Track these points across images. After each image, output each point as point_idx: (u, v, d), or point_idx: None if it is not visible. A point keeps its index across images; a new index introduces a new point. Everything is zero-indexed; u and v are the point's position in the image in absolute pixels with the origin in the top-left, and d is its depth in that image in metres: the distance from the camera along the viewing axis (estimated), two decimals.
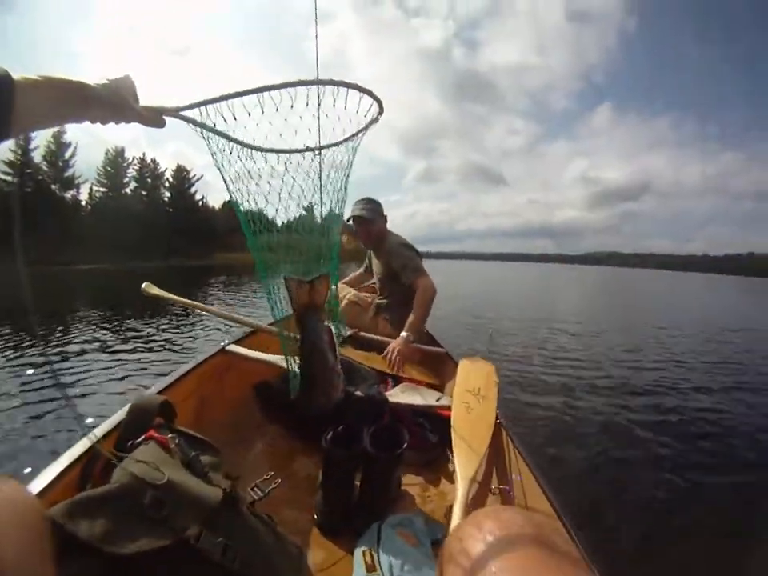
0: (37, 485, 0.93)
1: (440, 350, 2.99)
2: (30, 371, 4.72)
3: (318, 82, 1.14)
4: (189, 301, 2.63)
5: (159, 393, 1.52)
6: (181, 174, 57.08)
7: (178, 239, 48.54)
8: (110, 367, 4.96)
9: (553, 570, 0.47)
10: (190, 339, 6.45)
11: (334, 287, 1.70)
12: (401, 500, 1.68)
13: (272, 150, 1.32)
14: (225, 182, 1.34)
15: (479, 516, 0.59)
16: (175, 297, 2.55)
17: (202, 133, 1.20)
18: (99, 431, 1.18)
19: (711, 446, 4.38)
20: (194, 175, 58.02)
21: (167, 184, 56.45)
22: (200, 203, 59.85)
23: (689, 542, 2.85)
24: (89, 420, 3.29)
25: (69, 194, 45.73)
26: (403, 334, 2.75)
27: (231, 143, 1.26)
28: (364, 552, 1.28)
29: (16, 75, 0.68)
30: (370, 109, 1.28)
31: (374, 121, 1.35)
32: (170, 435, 0.97)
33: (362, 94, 1.21)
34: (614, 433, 4.63)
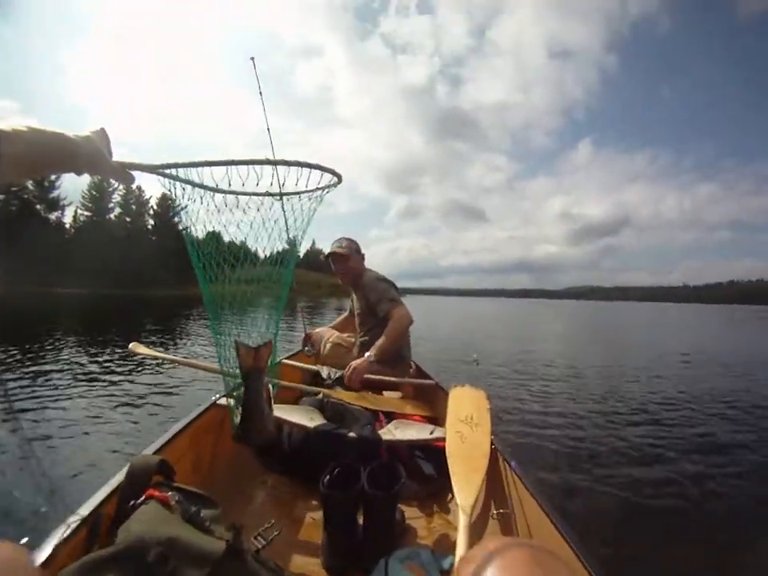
0: (44, 550, 0.93)
1: (430, 382, 3.00)
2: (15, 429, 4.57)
3: (284, 163, 1.19)
4: (174, 357, 2.64)
5: (156, 452, 1.53)
6: (165, 202, 55.50)
7: (159, 268, 48.18)
8: (102, 426, 4.87)
9: None
10: (180, 391, 6.39)
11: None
12: (405, 534, 1.69)
13: (236, 192, 1.36)
14: (181, 224, 1.50)
15: (482, 547, 0.60)
16: (161, 354, 2.56)
17: (168, 182, 1.27)
18: (101, 494, 1.18)
19: (695, 463, 4.47)
20: (179, 204, 57.68)
21: (152, 212, 56.21)
22: (184, 232, 59.15)
23: (695, 563, 2.85)
24: (85, 482, 3.25)
25: (54, 216, 45.62)
26: (367, 353, 2.80)
27: (196, 188, 1.32)
28: None
29: (1, 125, 0.69)
30: (330, 179, 1.38)
31: (333, 186, 1.44)
32: (169, 493, 0.98)
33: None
34: (606, 451, 4.66)
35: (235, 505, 1.77)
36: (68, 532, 1.00)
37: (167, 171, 1.20)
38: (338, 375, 2.89)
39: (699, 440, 5.24)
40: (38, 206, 43.64)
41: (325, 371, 2.98)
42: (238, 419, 1.53)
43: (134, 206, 53.21)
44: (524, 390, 7.23)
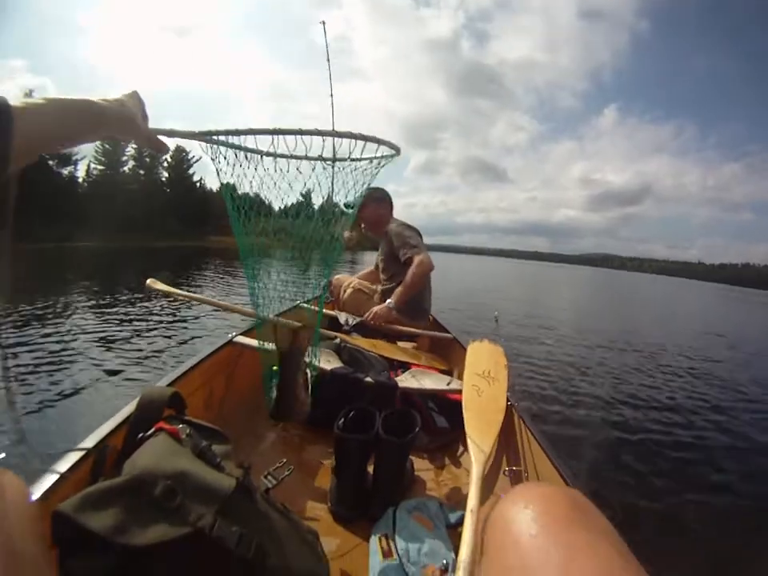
0: (47, 481, 0.92)
1: (447, 336, 2.99)
2: (31, 361, 4.62)
3: (336, 134, 1.11)
4: (192, 294, 2.61)
5: (169, 385, 1.52)
6: (180, 154, 56.20)
7: (173, 220, 48.07)
8: (116, 360, 4.91)
9: (596, 546, 0.47)
10: (195, 331, 6.43)
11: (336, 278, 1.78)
12: (414, 485, 1.68)
13: (287, 156, 1.25)
14: (219, 174, 1.31)
15: (516, 492, 0.59)
16: (180, 291, 2.53)
17: (210, 148, 1.17)
18: (109, 425, 1.17)
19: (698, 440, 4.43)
20: (193, 156, 56.58)
21: (165, 164, 55.78)
22: (198, 185, 59.16)
23: (711, 528, 2.85)
24: (96, 414, 3.27)
25: (66, 171, 45.50)
26: (388, 300, 2.79)
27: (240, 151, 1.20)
28: (380, 538, 1.27)
29: (15, 101, 0.63)
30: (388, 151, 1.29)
31: (390, 157, 1.35)
32: (180, 426, 0.96)
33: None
34: (622, 415, 4.67)
35: (245, 444, 1.77)
36: (71, 464, 0.98)
37: (214, 140, 1.12)
38: (355, 322, 2.88)
39: (710, 405, 5.27)
40: (50, 162, 43.44)
41: (342, 317, 2.97)
42: (273, 394, 1.56)
43: (147, 159, 52.26)
44: (539, 349, 7.24)
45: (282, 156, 1.24)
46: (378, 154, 1.31)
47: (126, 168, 51.49)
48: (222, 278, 14.57)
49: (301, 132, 1.05)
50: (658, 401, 5.24)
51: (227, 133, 1.06)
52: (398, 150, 1.30)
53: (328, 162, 1.29)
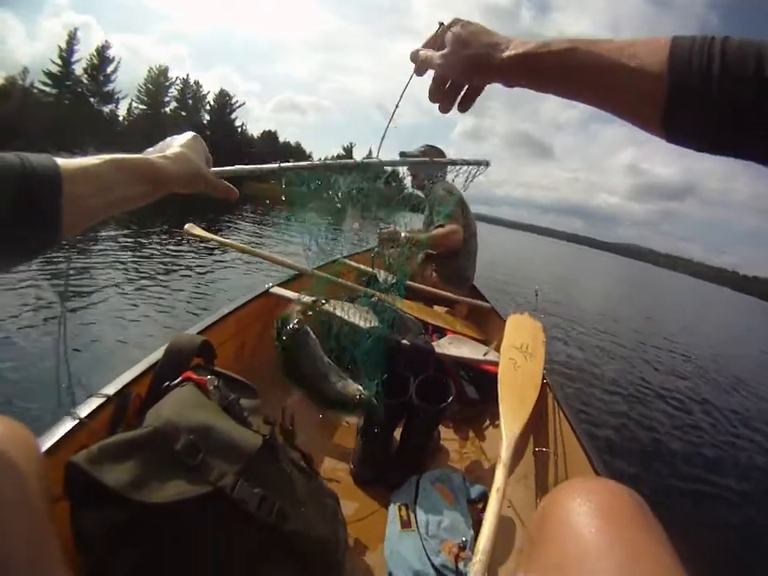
0: (62, 428, 0.89)
1: (486, 305, 2.95)
2: (57, 304, 4.56)
3: (431, 162, 1.10)
4: (232, 242, 2.58)
5: (199, 333, 1.49)
6: (223, 98, 56.15)
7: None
8: (146, 305, 4.92)
9: (655, 546, 0.47)
10: (231, 280, 6.45)
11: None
12: (439, 455, 1.66)
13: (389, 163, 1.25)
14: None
15: (576, 485, 0.58)
16: (219, 238, 2.51)
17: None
18: (133, 372, 1.14)
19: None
20: (236, 101, 56.92)
21: (208, 107, 55.75)
22: (239, 130, 59.17)
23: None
24: (121, 360, 3.28)
25: (107, 109, 45.81)
26: (403, 233, 2.74)
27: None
28: (400, 507, 1.25)
29: (63, 161, 0.56)
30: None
31: (482, 170, 1.33)
32: (208, 377, 0.93)
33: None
34: (654, 406, 4.62)
35: (273, 398, 1.75)
36: (90, 410, 0.96)
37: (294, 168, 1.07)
38: (394, 281, 2.85)
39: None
40: (92, 99, 43.49)
41: (382, 275, 2.93)
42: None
43: (190, 101, 52.55)
44: (575, 332, 7.19)
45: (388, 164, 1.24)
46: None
47: (167, 109, 51.60)
48: (260, 226, 14.58)
49: (391, 163, 1.09)
50: (694, 404, 5.18)
51: (301, 168, 1.02)
52: (487, 164, 1.29)
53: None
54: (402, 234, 2.65)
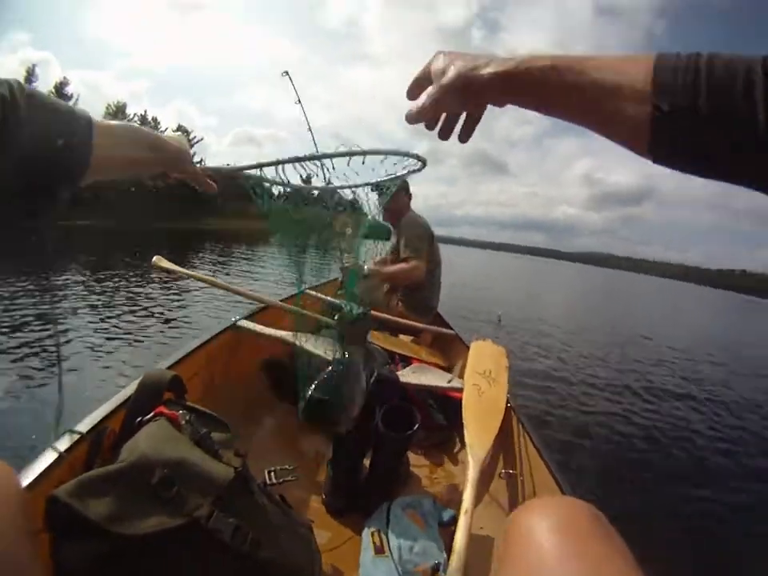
0: (41, 464, 0.91)
1: (450, 332, 2.98)
2: (30, 343, 4.55)
3: (377, 152, 1.16)
4: (199, 275, 2.57)
5: (169, 368, 1.50)
6: (181, 132, 54.62)
7: (171, 202, 47.45)
8: (116, 340, 4.89)
9: (615, 562, 0.48)
10: (198, 313, 6.41)
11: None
12: (409, 481, 1.68)
13: (329, 188, 1.37)
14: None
15: (536, 504, 0.59)
16: (186, 270, 2.50)
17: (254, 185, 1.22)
18: (107, 407, 1.15)
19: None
20: (194, 137, 54.51)
21: None
22: (198, 166, 58.03)
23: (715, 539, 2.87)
24: (94, 395, 3.25)
25: None
26: (366, 266, 2.78)
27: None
28: (373, 533, 1.27)
29: (96, 117, 0.67)
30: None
31: (418, 170, 1.36)
32: (180, 411, 0.95)
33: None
34: (617, 421, 4.68)
35: (244, 431, 1.76)
36: (67, 446, 0.97)
37: (255, 173, 1.14)
38: (360, 311, 2.86)
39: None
40: None
41: (347, 306, 2.95)
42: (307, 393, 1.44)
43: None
44: (539, 351, 7.25)
45: (323, 188, 1.36)
46: (406, 165, 1.33)
47: None
48: (223, 261, 14.51)
49: (344, 154, 1.09)
50: (658, 414, 5.23)
51: (271, 164, 1.07)
52: (424, 162, 1.32)
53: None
54: (366, 269, 2.69)
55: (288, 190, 1.28)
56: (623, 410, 5.03)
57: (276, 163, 1.06)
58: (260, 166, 1.08)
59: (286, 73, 2.62)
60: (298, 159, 1.05)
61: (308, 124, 2.74)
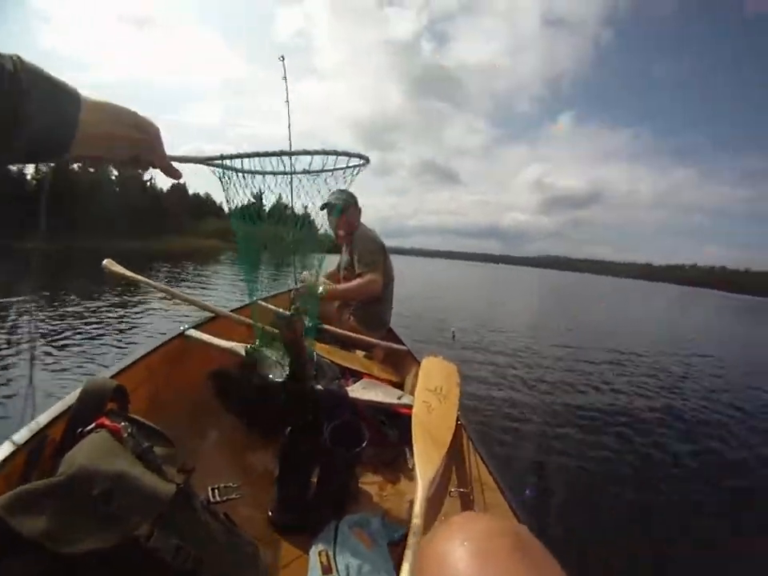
0: None
1: (402, 348, 2.97)
2: None
3: (324, 152, 1.28)
4: (151, 281, 2.51)
5: (112, 377, 1.45)
6: None
7: (123, 221, 46.11)
8: (60, 348, 4.77)
9: None
10: (147, 322, 6.29)
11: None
12: (358, 498, 1.65)
13: (275, 173, 1.38)
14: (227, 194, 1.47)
15: (454, 524, 0.56)
16: (137, 276, 2.43)
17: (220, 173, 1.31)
18: (47, 416, 1.10)
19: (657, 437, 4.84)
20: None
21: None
22: (148, 184, 57.45)
23: (651, 546, 2.91)
24: (34, 404, 3.13)
25: (15, 168, 43.91)
26: (322, 287, 2.79)
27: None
28: (320, 552, 1.24)
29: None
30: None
31: (362, 166, 1.55)
32: (122, 423, 0.92)
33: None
34: (570, 436, 4.71)
35: (189, 445, 1.71)
36: (3, 457, 0.92)
37: (221, 165, 1.24)
38: (310, 325, 2.84)
39: (662, 424, 5.42)
40: None
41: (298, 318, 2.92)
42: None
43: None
44: (493, 365, 7.29)
45: (272, 173, 1.38)
46: (352, 163, 1.49)
47: (76, 165, 49.38)
48: (175, 277, 14.39)
49: (295, 153, 1.26)
50: (613, 425, 5.29)
51: (233, 157, 1.18)
52: (367, 160, 1.47)
53: (313, 175, 1.49)
54: (320, 289, 2.68)
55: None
56: (579, 427, 5.07)
57: (238, 156, 1.17)
58: (222, 158, 1.16)
59: (282, 58, 2.75)
60: (257, 154, 1.18)
61: (289, 121, 2.83)
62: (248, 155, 1.19)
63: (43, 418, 1.08)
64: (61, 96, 0.64)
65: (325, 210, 3.24)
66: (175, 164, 0.93)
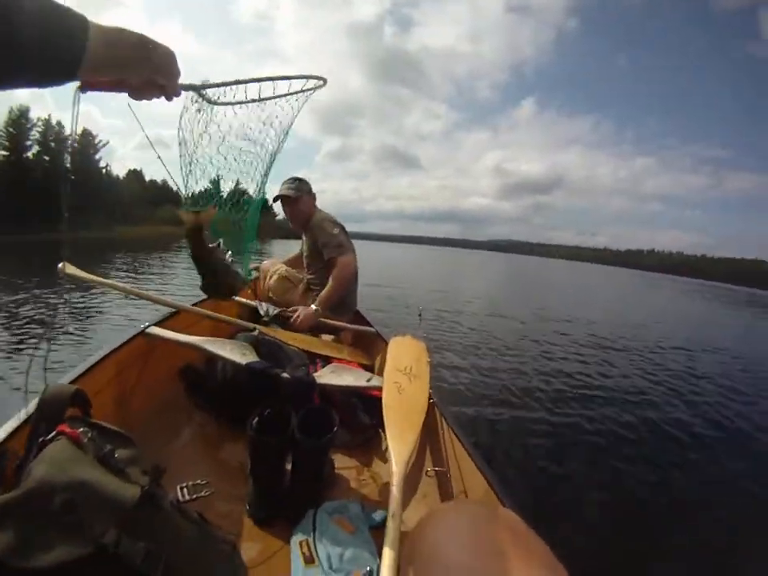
0: None
1: (370, 329, 2.96)
2: None
3: (285, 78, 1.43)
4: (109, 281, 2.46)
5: (73, 382, 1.41)
6: (86, 139, 53.02)
7: (80, 210, 45.19)
8: (18, 354, 4.66)
9: (528, 569, 0.45)
10: (106, 321, 6.17)
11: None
12: (335, 484, 1.63)
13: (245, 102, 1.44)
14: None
15: (442, 511, 0.56)
16: (95, 278, 2.37)
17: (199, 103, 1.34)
18: (7, 428, 1.07)
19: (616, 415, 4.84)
20: (100, 141, 53.95)
21: (70, 149, 51.90)
22: (104, 171, 56.38)
23: (624, 522, 2.95)
24: None
25: None
26: (313, 306, 2.76)
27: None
28: (301, 543, 1.23)
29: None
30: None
31: (320, 87, 1.67)
32: (82, 429, 0.88)
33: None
34: (539, 408, 4.76)
35: (160, 443, 1.67)
36: None
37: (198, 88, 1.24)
38: (275, 312, 2.81)
39: (628, 394, 5.51)
40: None
41: (263, 308, 2.88)
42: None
43: (53, 143, 48.55)
44: (459, 343, 7.34)
45: (241, 103, 1.44)
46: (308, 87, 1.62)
47: (30, 153, 47.93)
48: (134, 267, 14.18)
49: (258, 80, 1.34)
50: (583, 396, 5.37)
51: (211, 86, 1.22)
52: (324, 81, 1.63)
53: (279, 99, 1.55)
54: (315, 308, 2.68)
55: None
56: (548, 400, 5.11)
57: (220, 85, 1.23)
58: (203, 87, 1.21)
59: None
60: (237, 82, 1.26)
61: None
62: (226, 84, 1.24)
63: (3, 431, 1.05)
64: (66, 16, 0.64)
65: (278, 201, 3.22)
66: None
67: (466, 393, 4.93)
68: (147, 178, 67.78)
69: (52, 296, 7.01)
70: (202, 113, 1.38)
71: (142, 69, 0.80)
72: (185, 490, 1.16)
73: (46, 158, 47.75)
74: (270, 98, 1.49)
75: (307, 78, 1.54)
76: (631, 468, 3.64)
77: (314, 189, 3.23)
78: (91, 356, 1.69)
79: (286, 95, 1.54)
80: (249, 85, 1.31)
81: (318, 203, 3.29)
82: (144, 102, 0.91)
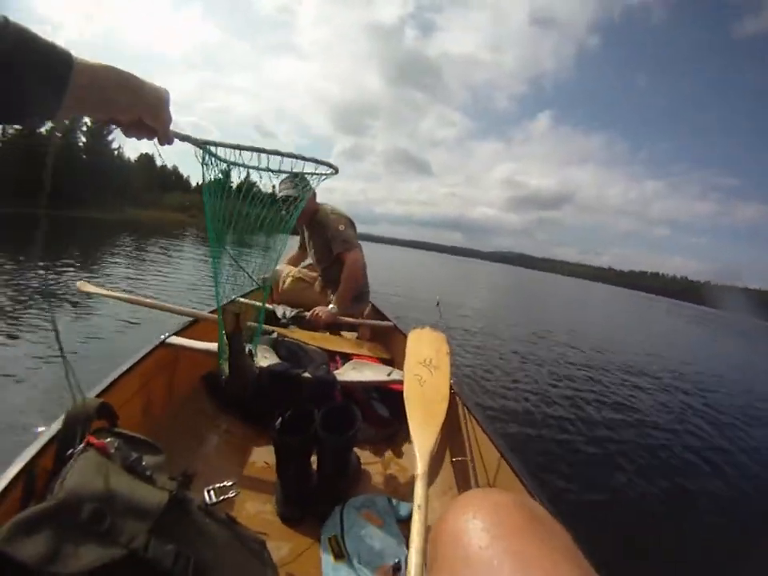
0: None
1: (388, 324, 2.97)
2: None
3: (302, 158, 1.39)
4: (126, 296, 2.49)
5: (98, 395, 1.43)
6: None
7: (90, 189, 44.94)
8: (44, 371, 4.69)
9: (550, 556, 0.45)
10: (124, 333, 6.19)
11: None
12: (361, 480, 1.65)
13: (256, 168, 1.45)
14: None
15: (465, 499, 0.56)
16: (112, 293, 2.41)
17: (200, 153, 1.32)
18: (36, 445, 1.09)
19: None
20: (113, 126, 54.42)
21: (84, 128, 51.40)
22: (116, 153, 55.67)
23: (665, 520, 2.94)
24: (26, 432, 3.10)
25: None
26: (331, 306, 2.77)
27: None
28: (330, 539, 1.25)
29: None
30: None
31: (330, 174, 1.64)
32: (108, 439, 0.91)
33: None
34: (563, 404, 4.76)
35: (187, 449, 1.70)
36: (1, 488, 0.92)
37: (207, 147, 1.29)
38: (293, 314, 2.83)
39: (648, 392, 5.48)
40: None
41: (280, 310, 2.91)
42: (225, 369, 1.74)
43: (66, 121, 48.51)
44: (478, 339, 7.34)
45: (254, 168, 1.45)
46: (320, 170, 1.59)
47: (43, 129, 47.91)
48: (142, 254, 14.16)
49: (276, 153, 1.32)
50: (601, 397, 5.37)
51: (222, 145, 1.26)
52: (336, 170, 1.58)
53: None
54: (333, 308, 2.70)
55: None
56: (569, 395, 5.12)
57: (221, 144, 1.26)
58: (206, 143, 1.24)
59: None
60: (238, 147, 1.26)
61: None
62: (233, 146, 1.26)
63: (32, 449, 1.07)
64: (49, 55, 0.64)
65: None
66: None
67: (488, 382, 4.95)
68: (159, 163, 67.23)
69: (71, 313, 7.04)
70: (209, 168, 1.39)
71: (127, 109, 0.80)
72: (212, 492, 1.17)
73: (59, 134, 47.73)
74: (280, 171, 1.49)
75: (320, 163, 1.53)
76: (668, 471, 3.65)
77: (324, 186, 3.24)
78: (115, 370, 1.72)
79: (298, 173, 1.53)
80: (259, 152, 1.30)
81: (328, 201, 3.29)
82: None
